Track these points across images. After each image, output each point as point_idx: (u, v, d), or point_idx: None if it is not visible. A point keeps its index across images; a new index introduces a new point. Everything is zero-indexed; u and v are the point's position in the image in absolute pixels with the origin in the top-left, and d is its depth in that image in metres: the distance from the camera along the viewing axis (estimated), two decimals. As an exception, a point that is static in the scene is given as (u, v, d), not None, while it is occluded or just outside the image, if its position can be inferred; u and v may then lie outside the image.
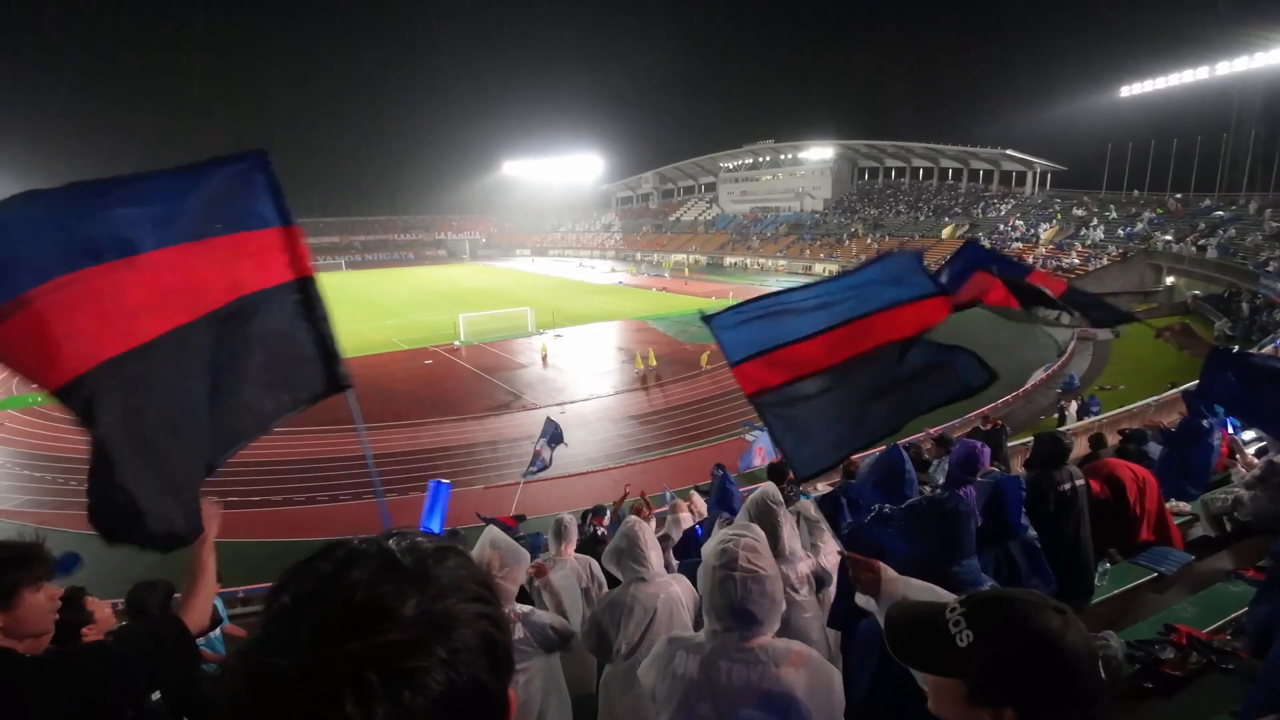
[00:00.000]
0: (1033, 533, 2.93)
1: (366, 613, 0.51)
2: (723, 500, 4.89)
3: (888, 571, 1.59)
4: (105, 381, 1.44)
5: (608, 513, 7.42)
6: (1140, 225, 39.53)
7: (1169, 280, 34.42)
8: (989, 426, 8.02)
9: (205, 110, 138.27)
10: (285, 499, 14.60)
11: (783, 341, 2.34)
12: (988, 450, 3.78)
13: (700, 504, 6.63)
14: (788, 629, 2.59)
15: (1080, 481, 3.54)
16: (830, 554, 3.22)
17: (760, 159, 77.50)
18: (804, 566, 2.73)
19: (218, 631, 5.42)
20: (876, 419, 2.27)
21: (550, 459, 11.84)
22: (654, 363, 24.38)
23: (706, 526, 4.75)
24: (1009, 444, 11.39)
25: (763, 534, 1.99)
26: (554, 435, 11.73)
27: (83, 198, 1.55)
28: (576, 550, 3.84)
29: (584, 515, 7.05)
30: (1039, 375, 21.73)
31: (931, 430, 8.96)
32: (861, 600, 1.66)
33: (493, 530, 2.60)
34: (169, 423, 1.53)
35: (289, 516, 13.89)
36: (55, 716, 1.45)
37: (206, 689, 2.44)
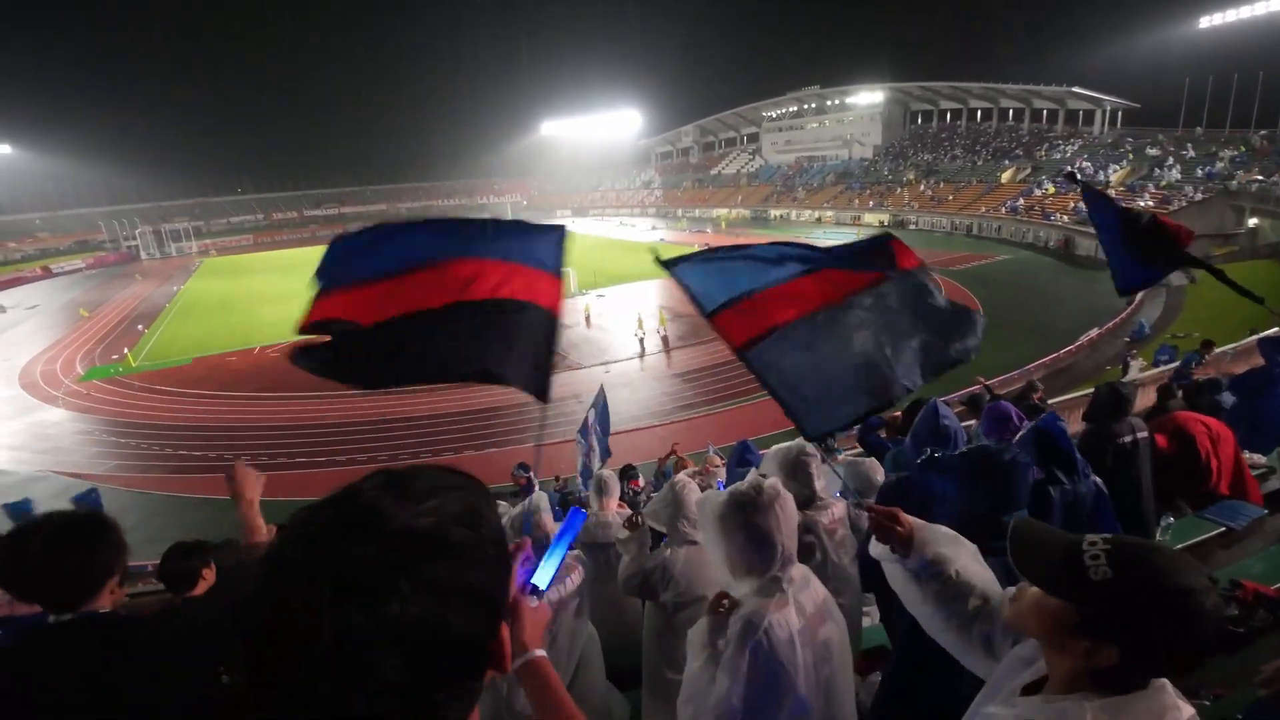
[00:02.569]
0: (1096, 479, 2.84)
1: (357, 520, 0.56)
2: (742, 463, 4.89)
3: (916, 523, 1.56)
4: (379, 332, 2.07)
5: (640, 476, 7.55)
6: (1221, 164, 36.62)
7: (1252, 222, 31.99)
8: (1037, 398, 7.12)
9: (242, 84, 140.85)
10: (349, 459, 15.32)
11: (754, 287, 2.13)
12: (1011, 405, 3.67)
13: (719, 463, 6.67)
14: (825, 570, 2.62)
15: (1143, 434, 3.40)
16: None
17: (805, 106, 74.50)
18: (838, 510, 2.75)
19: None
20: (881, 378, 2.04)
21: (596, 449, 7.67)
22: (664, 324, 23.71)
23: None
24: (1065, 397, 10.97)
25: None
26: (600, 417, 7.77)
27: (426, 227, 2.25)
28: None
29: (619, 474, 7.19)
30: (1093, 332, 20.72)
31: (984, 379, 8.62)
32: (876, 550, 1.62)
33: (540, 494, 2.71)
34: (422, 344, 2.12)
35: (351, 476, 14.59)
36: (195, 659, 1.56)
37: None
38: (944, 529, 1.56)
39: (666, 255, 2.37)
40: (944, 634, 1.49)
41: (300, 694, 0.50)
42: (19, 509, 4.89)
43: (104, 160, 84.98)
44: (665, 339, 23.14)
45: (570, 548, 1.57)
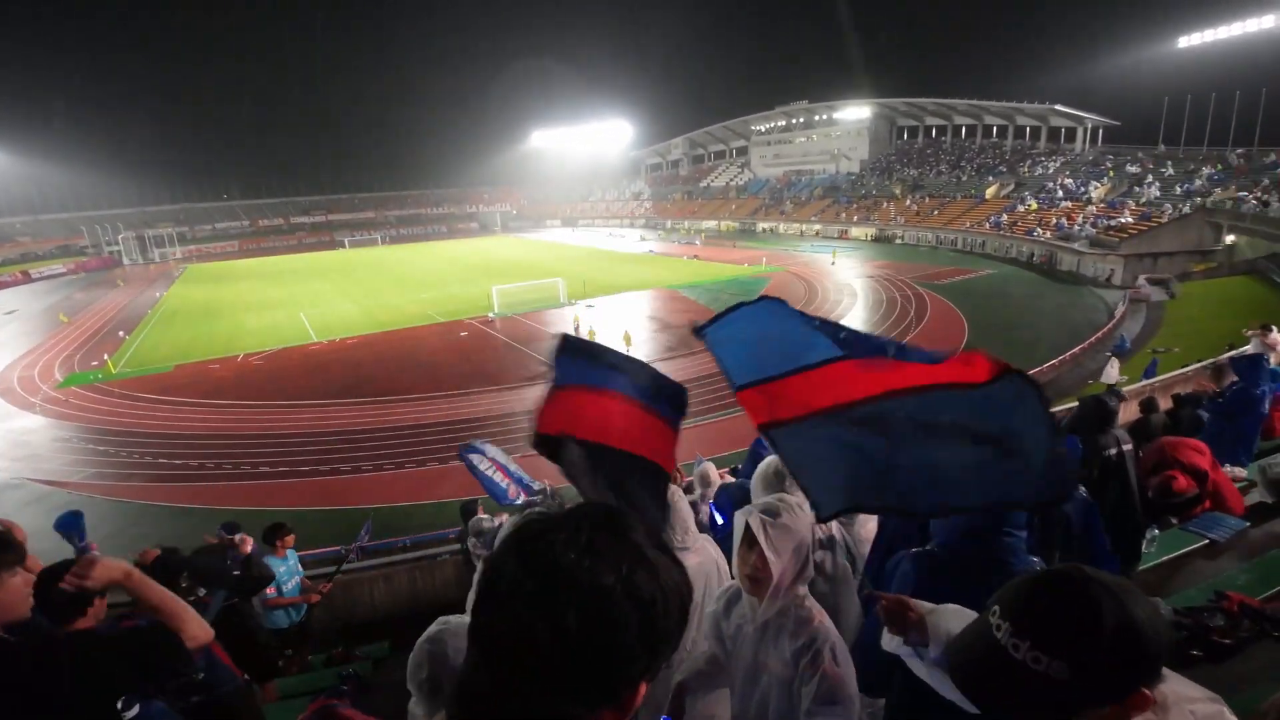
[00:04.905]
0: (1083, 492, 2.86)
1: (620, 517, 0.74)
2: (755, 457, 4.88)
3: (924, 606, 1.45)
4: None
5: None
6: (1199, 181, 37.44)
7: (1229, 239, 32.68)
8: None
9: (229, 89, 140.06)
10: (332, 469, 15.13)
11: (790, 369, 1.93)
12: None
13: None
14: (812, 589, 2.54)
15: (1127, 446, 3.43)
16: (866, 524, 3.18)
17: (793, 120, 75.35)
18: (821, 532, 2.71)
19: (295, 581, 5.68)
20: (916, 483, 1.78)
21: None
22: (628, 344, 22.79)
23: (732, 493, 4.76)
24: (1053, 409, 11.07)
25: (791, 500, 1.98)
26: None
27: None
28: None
29: None
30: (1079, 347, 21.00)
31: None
32: (891, 644, 1.48)
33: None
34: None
35: (333, 485, 14.42)
36: (52, 699, 1.50)
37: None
38: (952, 606, 1.44)
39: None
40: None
41: (540, 626, 0.64)
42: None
43: (87, 164, 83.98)
44: None
45: None
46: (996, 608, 1.00)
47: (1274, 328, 8.51)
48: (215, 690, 2.17)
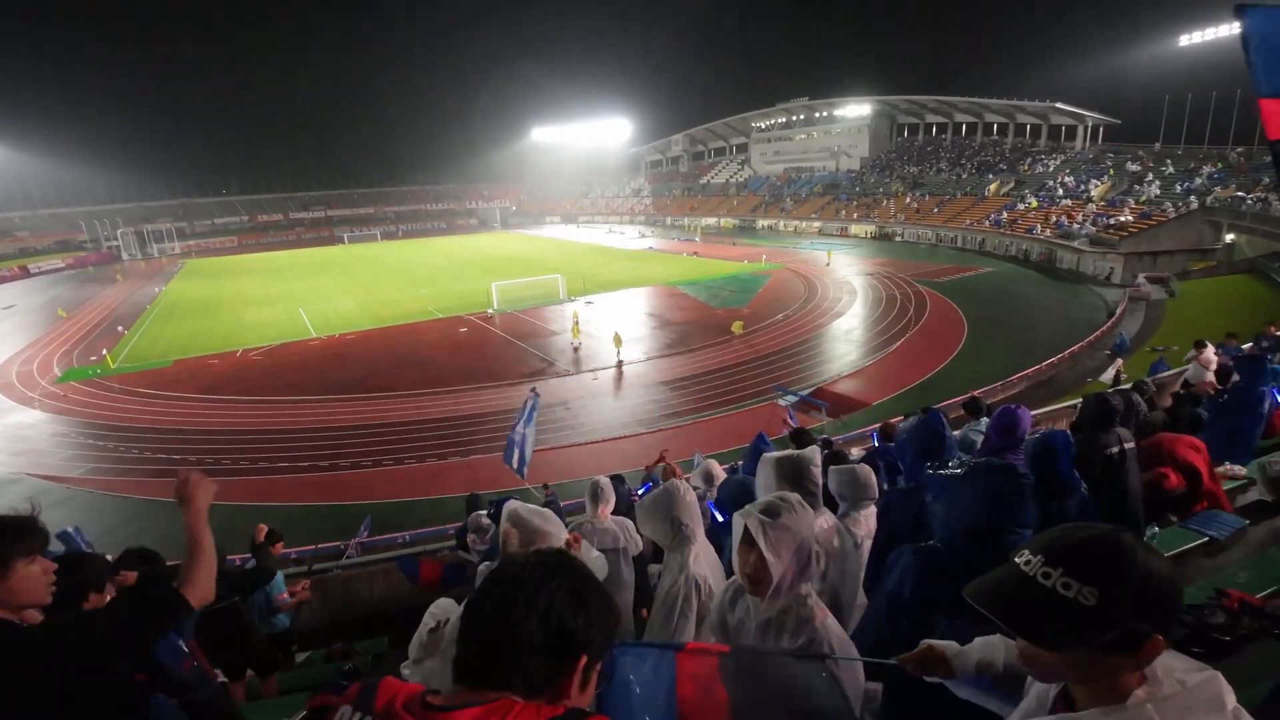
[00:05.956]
0: (1084, 488, 2.86)
1: (559, 555, 1.15)
2: (756, 454, 4.89)
3: (945, 646, 1.52)
4: None
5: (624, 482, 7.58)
6: (1199, 180, 37.41)
7: (1229, 238, 32.68)
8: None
9: (229, 84, 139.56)
10: (331, 464, 15.13)
11: None
12: (1028, 414, 3.68)
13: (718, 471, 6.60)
14: (824, 577, 2.51)
15: (1130, 445, 3.42)
16: (867, 518, 3.18)
17: (794, 118, 75.20)
18: (830, 518, 2.71)
19: (280, 579, 5.57)
20: None
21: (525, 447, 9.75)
22: (619, 344, 22.33)
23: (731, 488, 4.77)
24: (1048, 408, 11.09)
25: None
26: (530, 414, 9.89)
27: None
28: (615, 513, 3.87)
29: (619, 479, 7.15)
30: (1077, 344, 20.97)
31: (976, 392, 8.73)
32: (944, 680, 1.55)
33: (512, 504, 2.60)
34: None
35: (332, 481, 14.42)
36: (53, 684, 1.52)
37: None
38: (976, 641, 1.50)
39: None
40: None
41: (512, 627, 1.01)
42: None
43: (86, 159, 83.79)
44: (620, 362, 21.92)
45: None
46: (1025, 551, 1.08)
47: (1208, 343, 8.58)
48: (194, 693, 2.18)
